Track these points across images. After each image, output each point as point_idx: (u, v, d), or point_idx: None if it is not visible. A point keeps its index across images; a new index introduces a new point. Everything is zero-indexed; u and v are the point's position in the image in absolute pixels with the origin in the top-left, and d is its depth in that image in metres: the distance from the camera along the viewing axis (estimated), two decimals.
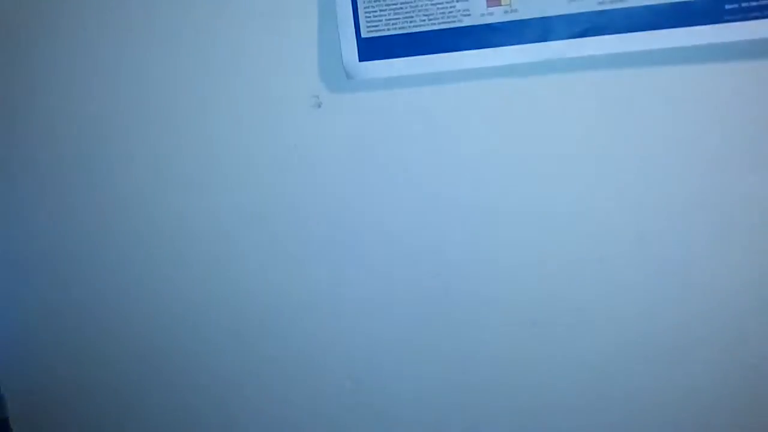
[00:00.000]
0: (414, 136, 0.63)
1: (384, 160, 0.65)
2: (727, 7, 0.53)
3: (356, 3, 0.59)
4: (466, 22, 0.58)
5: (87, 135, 0.72)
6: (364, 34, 0.60)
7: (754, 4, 0.53)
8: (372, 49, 0.60)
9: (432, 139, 0.63)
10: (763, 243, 0.59)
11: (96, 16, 0.68)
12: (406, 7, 0.59)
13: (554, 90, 0.59)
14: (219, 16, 0.63)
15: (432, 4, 0.58)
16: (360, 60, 0.61)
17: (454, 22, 0.58)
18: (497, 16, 0.57)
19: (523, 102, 0.60)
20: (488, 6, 0.57)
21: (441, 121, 0.63)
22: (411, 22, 0.59)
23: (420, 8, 0.58)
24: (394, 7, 0.59)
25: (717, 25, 0.54)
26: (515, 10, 0.57)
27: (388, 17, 0.59)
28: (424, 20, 0.59)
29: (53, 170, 0.75)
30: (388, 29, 0.59)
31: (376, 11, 0.59)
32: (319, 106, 0.63)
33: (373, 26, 0.60)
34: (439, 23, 0.59)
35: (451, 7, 0.58)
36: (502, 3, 0.57)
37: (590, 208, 0.62)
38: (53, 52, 0.71)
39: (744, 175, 0.58)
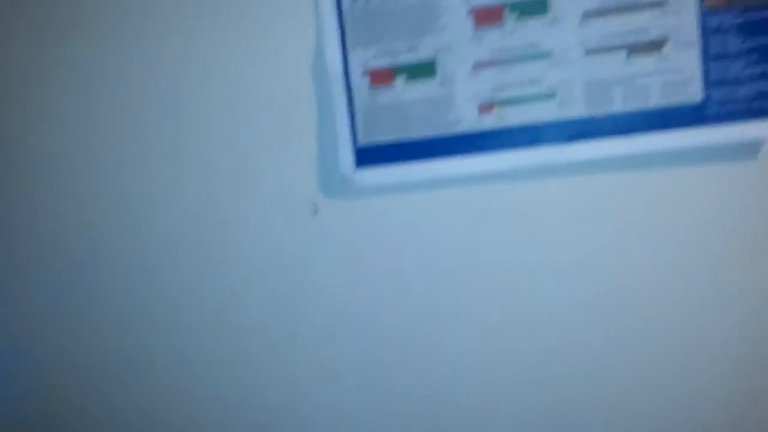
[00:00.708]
0: (409, 240, 0.62)
1: (380, 264, 0.63)
2: (710, 110, 0.56)
3: (354, 112, 0.60)
4: (459, 129, 0.59)
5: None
6: (360, 143, 0.61)
7: (735, 107, 0.55)
8: (368, 156, 0.61)
9: (426, 243, 0.62)
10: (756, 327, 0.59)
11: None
12: (400, 116, 0.60)
13: (545, 193, 0.59)
14: (223, 128, 0.64)
15: (426, 113, 0.59)
16: (357, 167, 0.61)
17: (447, 129, 0.59)
18: (488, 123, 0.59)
19: (514, 205, 0.60)
20: (480, 114, 0.59)
21: (435, 225, 0.62)
22: (406, 130, 0.60)
23: (414, 117, 0.59)
24: (389, 115, 0.60)
25: (700, 128, 0.55)
26: (506, 118, 0.58)
27: (384, 126, 0.60)
28: (419, 128, 0.59)
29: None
30: (384, 137, 0.60)
31: (372, 120, 0.60)
32: (316, 213, 0.63)
33: (370, 134, 0.60)
34: (433, 131, 0.59)
35: (444, 115, 0.59)
36: (494, 110, 0.58)
37: (584, 305, 0.60)
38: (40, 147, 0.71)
39: (736, 266, 0.58)
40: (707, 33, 0.54)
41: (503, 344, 0.62)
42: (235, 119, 0.63)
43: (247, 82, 0.62)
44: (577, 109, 0.57)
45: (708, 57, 0.54)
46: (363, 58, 0.59)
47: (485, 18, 0.57)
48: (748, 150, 0.56)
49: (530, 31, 0.56)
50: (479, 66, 0.58)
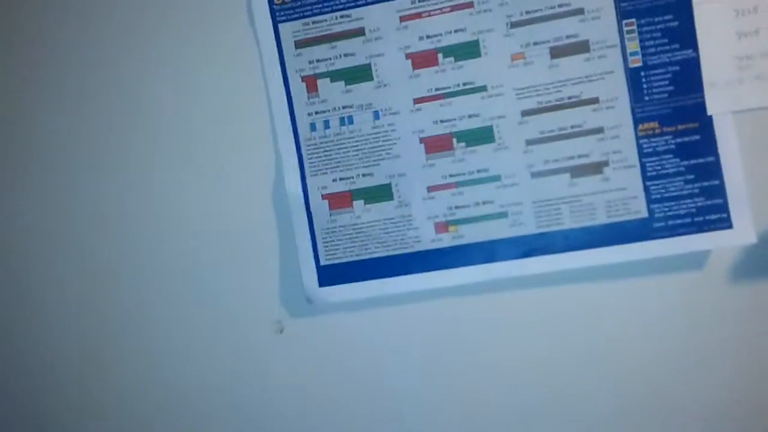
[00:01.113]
0: (373, 352, 0.62)
1: (346, 376, 0.63)
2: (654, 225, 0.58)
3: (314, 234, 0.61)
4: (417, 247, 0.60)
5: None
6: (323, 262, 0.62)
7: (678, 222, 0.57)
8: (331, 275, 0.61)
9: (390, 354, 0.62)
10: None
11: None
12: (361, 236, 0.61)
13: (503, 305, 0.60)
14: (188, 255, 0.64)
15: (385, 233, 0.61)
16: (320, 285, 0.61)
17: (406, 248, 0.60)
18: (445, 241, 0.60)
19: (472, 316, 0.61)
20: (436, 233, 0.60)
21: (398, 337, 0.62)
22: (366, 249, 0.61)
23: (373, 237, 0.61)
24: (349, 236, 0.61)
25: (646, 242, 0.57)
26: (461, 236, 0.60)
27: (344, 246, 0.61)
28: (378, 247, 0.61)
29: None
30: (345, 256, 0.61)
31: (333, 240, 0.61)
32: (281, 331, 0.63)
33: (331, 254, 0.61)
34: (392, 249, 0.60)
35: (402, 234, 0.60)
36: (449, 230, 0.60)
37: (537, 406, 0.60)
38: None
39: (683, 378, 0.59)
40: (645, 155, 0.57)
41: None
42: (197, 245, 0.63)
43: (209, 208, 0.63)
44: (527, 227, 0.59)
45: (647, 177, 0.57)
46: (322, 184, 0.61)
47: (436, 147, 0.59)
48: (695, 261, 0.58)
49: (479, 157, 0.59)
50: (433, 189, 0.60)
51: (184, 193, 0.64)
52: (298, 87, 0.61)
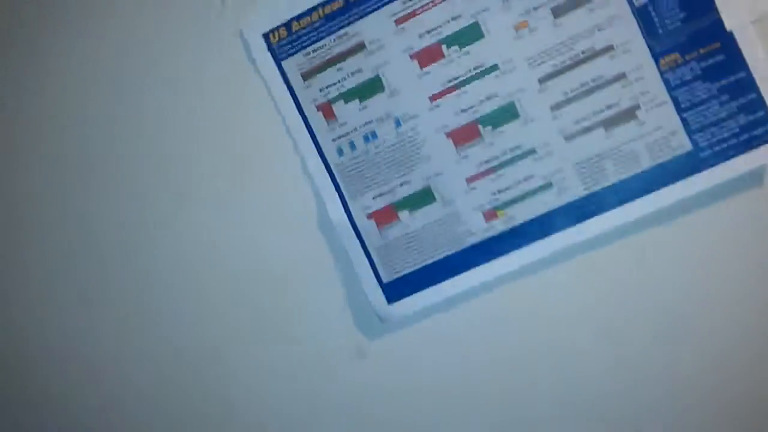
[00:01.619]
0: (454, 355, 0.62)
1: (434, 385, 0.62)
2: (701, 155, 0.56)
3: (369, 254, 0.61)
4: (471, 241, 0.60)
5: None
6: (385, 279, 0.61)
7: (725, 145, 0.55)
8: (396, 289, 0.61)
9: (470, 353, 0.62)
10: None
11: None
12: (415, 245, 0.60)
13: (568, 275, 0.59)
14: (250, 303, 0.64)
15: (437, 235, 0.60)
16: (389, 303, 0.61)
17: (462, 244, 0.60)
18: (498, 227, 0.59)
19: (542, 293, 0.60)
20: (486, 221, 0.59)
21: (475, 334, 0.61)
22: (423, 256, 0.60)
23: (428, 242, 0.60)
24: (404, 248, 0.61)
25: (698, 175, 0.55)
26: (513, 218, 0.59)
27: (402, 258, 0.61)
28: (435, 251, 0.60)
29: None
30: (406, 268, 0.61)
31: (390, 256, 0.61)
32: (363, 354, 0.63)
33: (391, 269, 0.61)
34: (448, 249, 0.60)
35: (454, 232, 0.60)
36: (498, 215, 0.59)
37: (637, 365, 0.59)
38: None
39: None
40: (673, 89, 0.55)
41: None
42: (258, 292, 0.64)
43: (262, 257, 0.63)
44: (575, 192, 0.57)
45: (681, 109, 0.55)
46: (363, 205, 0.61)
47: (463, 138, 0.59)
48: (754, 179, 0.56)
49: (508, 137, 0.58)
50: (472, 180, 0.59)
51: (234, 244, 0.64)
52: (315, 117, 0.61)
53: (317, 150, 0.61)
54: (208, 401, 0.68)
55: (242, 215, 0.64)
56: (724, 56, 0.55)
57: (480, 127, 0.59)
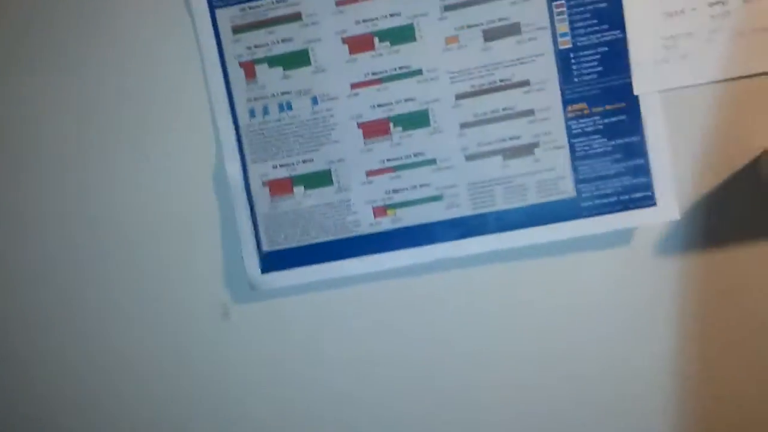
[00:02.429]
0: (317, 336, 0.63)
1: (291, 360, 0.63)
2: (582, 204, 0.58)
3: (256, 220, 0.61)
4: (357, 231, 0.60)
5: None
6: (265, 248, 0.61)
7: (605, 201, 0.58)
8: (273, 261, 0.61)
9: (333, 337, 0.63)
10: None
11: None
12: (302, 222, 0.61)
13: (442, 285, 0.61)
14: (128, 243, 0.63)
15: (325, 218, 0.60)
16: (262, 272, 0.61)
17: (346, 232, 0.60)
18: (384, 225, 0.60)
19: (413, 298, 0.62)
20: (375, 217, 0.60)
21: (341, 320, 0.62)
22: (307, 235, 0.61)
23: (315, 222, 0.60)
24: (291, 222, 0.61)
25: (574, 221, 0.58)
26: (400, 219, 0.60)
27: (286, 232, 0.61)
28: (319, 233, 0.61)
29: None
30: (287, 242, 0.61)
31: (274, 227, 0.61)
32: (227, 315, 0.63)
33: (273, 240, 0.61)
34: (333, 234, 0.60)
35: (342, 219, 0.60)
36: (388, 213, 0.60)
37: (479, 386, 0.62)
38: None
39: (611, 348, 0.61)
40: (573, 136, 0.57)
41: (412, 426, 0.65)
42: (138, 231, 0.63)
43: (150, 194, 0.62)
44: (463, 209, 0.59)
45: (575, 157, 0.58)
46: (262, 171, 0.60)
47: (373, 132, 0.59)
48: (622, 237, 0.59)
49: (415, 142, 0.59)
50: (371, 174, 0.60)
51: (125, 177, 0.63)
52: (236, 72, 0.60)
53: (230, 105, 0.60)
54: (61, 340, 0.66)
55: (145, 153, 0.62)
56: (626, 117, 0.57)
57: (391, 125, 0.59)
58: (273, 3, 0.59)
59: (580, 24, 0.57)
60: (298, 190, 0.61)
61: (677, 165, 0.57)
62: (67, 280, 0.65)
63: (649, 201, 0.57)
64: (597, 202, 0.58)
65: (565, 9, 0.57)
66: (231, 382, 0.65)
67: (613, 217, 0.58)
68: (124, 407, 0.67)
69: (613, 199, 0.58)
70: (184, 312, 0.64)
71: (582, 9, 0.56)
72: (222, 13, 0.59)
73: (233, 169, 0.61)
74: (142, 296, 0.64)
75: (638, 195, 0.58)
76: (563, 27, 0.57)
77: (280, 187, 0.61)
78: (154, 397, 0.66)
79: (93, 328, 0.66)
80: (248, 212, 0.61)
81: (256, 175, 0.61)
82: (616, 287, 0.60)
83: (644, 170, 0.57)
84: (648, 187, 0.57)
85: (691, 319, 0.60)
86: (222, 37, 0.59)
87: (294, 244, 0.61)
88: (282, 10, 0.59)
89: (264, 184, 0.61)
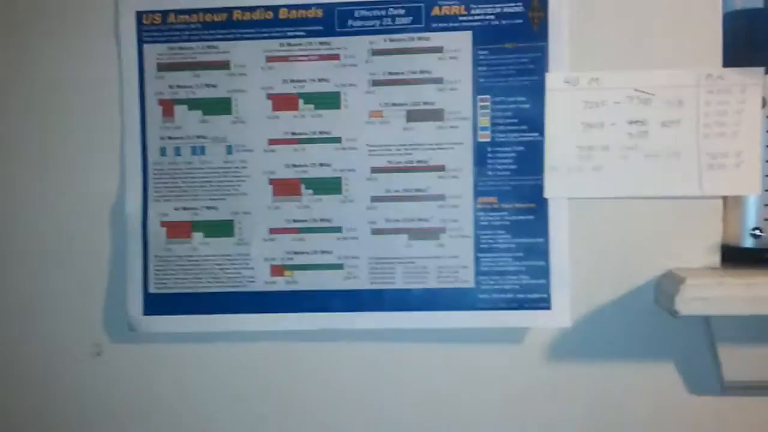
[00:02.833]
0: (192, 388, 0.60)
1: (161, 411, 0.60)
2: (479, 296, 0.57)
3: (147, 259, 0.59)
4: (250, 287, 0.58)
5: None
6: (151, 290, 0.59)
7: (501, 296, 0.57)
8: (158, 304, 0.59)
9: (208, 392, 0.60)
10: None
11: None
12: (195, 269, 0.59)
13: (329, 355, 0.59)
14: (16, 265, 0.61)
15: (220, 269, 0.58)
16: (145, 314, 0.59)
17: (239, 286, 0.58)
18: (279, 285, 0.58)
19: (297, 365, 0.60)
20: (272, 275, 0.58)
21: (220, 376, 0.60)
22: (198, 283, 0.58)
23: (208, 271, 0.58)
24: (183, 267, 0.59)
25: (470, 312, 0.57)
26: (296, 282, 0.58)
27: (177, 276, 0.59)
28: (211, 282, 0.58)
29: None
30: (176, 287, 0.59)
31: (165, 269, 0.59)
32: (99, 354, 0.60)
33: (161, 283, 0.59)
34: (225, 286, 0.58)
35: (237, 273, 0.58)
36: (285, 274, 0.58)
37: None
38: None
39: None
40: (480, 228, 0.57)
41: None
42: (26, 249, 0.60)
43: (44, 214, 0.60)
44: (361, 282, 0.58)
45: (479, 249, 0.57)
46: (162, 211, 0.59)
47: (284, 190, 0.58)
48: (515, 334, 0.58)
49: (324, 207, 0.58)
50: (275, 231, 0.58)
51: (21, 193, 0.60)
52: (154, 109, 0.58)
53: (141, 140, 0.58)
54: None
55: (43, 172, 0.60)
56: (533, 217, 0.57)
57: (303, 186, 0.58)
58: (203, 48, 0.58)
59: (501, 120, 0.57)
60: (197, 235, 0.59)
61: (576, 272, 0.57)
62: None
63: (544, 303, 0.57)
64: (494, 296, 0.57)
65: (489, 104, 0.57)
66: (96, 421, 0.61)
67: (508, 314, 0.57)
68: None
69: (510, 296, 0.57)
70: (56, 342, 0.61)
71: (505, 107, 0.57)
72: (150, 49, 0.59)
73: (133, 204, 0.59)
74: (17, 320, 0.61)
75: (534, 296, 0.57)
76: (485, 121, 0.57)
77: (178, 230, 0.59)
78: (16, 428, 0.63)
79: None
80: (140, 250, 0.59)
81: (155, 213, 0.59)
82: (502, 383, 0.59)
83: (543, 272, 0.57)
84: (545, 289, 0.57)
85: (571, 425, 0.60)
86: (146, 72, 0.59)
87: (183, 290, 0.59)
88: (211, 56, 0.58)
89: (162, 224, 0.59)
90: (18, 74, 0.60)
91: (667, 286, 0.57)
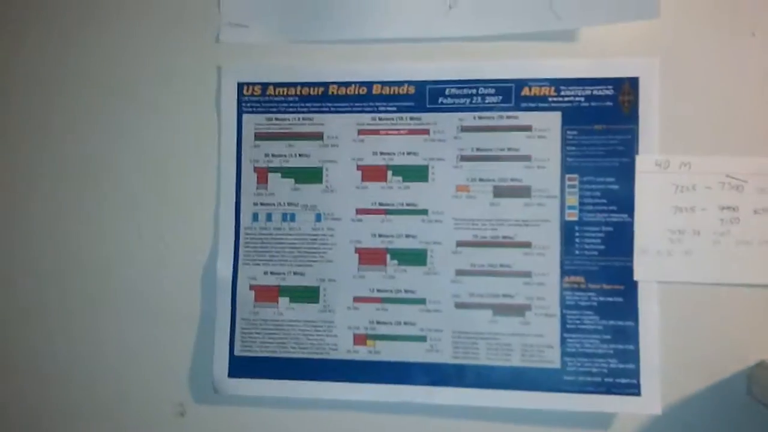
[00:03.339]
0: None
1: None
2: (565, 378, 0.56)
3: (234, 322, 0.60)
4: (333, 355, 0.58)
5: None
6: (237, 352, 0.59)
7: (588, 379, 0.56)
8: (243, 367, 0.59)
9: None
10: None
11: None
12: (279, 333, 0.59)
13: (404, 429, 0.58)
14: (109, 322, 0.62)
15: (303, 335, 0.59)
16: (229, 376, 0.59)
17: (322, 354, 0.58)
18: (362, 354, 0.58)
19: None
20: (354, 344, 0.58)
21: None
22: (283, 347, 0.59)
23: (292, 336, 0.59)
24: (268, 331, 0.59)
25: (555, 394, 0.56)
26: (378, 352, 0.58)
27: (261, 340, 0.59)
28: (295, 348, 0.59)
29: None
30: (261, 351, 0.59)
31: (252, 332, 0.59)
32: (183, 415, 0.60)
33: (247, 346, 0.59)
34: (308, 353, 0.58)
35: (320, 340, 0.58)
36: (367, 343, 0.58)
37: None
38: None
39: None
40: (567, 307, 0.56)
41: None
42: (118, 314, 0.61)
43: (135, 276, 0.61)
44: (443, 356, 0.57)
45: (566, 329, 0.56)
46: (252, 274, 0.60)
47: (369, 259, 0.58)
48: (602, 420, 0.56)
49: (409, 278, 0.58)
50: (359, 300, 0.58)
51: (116, 250, 0.62)
52: (249, 176, 0.60)
53: (235, 206, 0.60)
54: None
55: (140, 231, 0.61)
56: (622, 299, 0.56)
57: (389, 257, 0.58)
58: (298, 119, 0.60)
59: (590, 200, 0.57)
60: (284, 300, 0.59)
61: (666, 359, 0.55)
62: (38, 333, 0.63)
63: (633, 389, 0.55)
64: (581, 378, 0.56)
65: (577, 183, 0.57)
66: None
67: (595, 399, 0.55)
68: None
69: (598, 379, 0.55)
70: (140, 400, 0.61)
71: (594, 186, 0.57)
72: (248, 119, 0.61)
73: (224, 266, 0.60)
74: (108, 375, 0.62)
75: (623, 381, 0.55)
76: (573, 200, 0.57)
77: (266, 294, 0.60)
78: None
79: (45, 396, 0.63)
80: (229, 312, 0.60)
81: (245, 276, 0.60)
82: None
83: (633, 357, 0.55)
84: (634, 374, 0.55)
85: None
86: (243, 140, 0.61)
87: (268, 354, 0.59)
88: (306, 128, 0.60)
89: (251, 287, 0.60)
90: (122, 139, 0.62)
91: (760, 377, 0.54)
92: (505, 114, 0.58)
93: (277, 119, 0.61)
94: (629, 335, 0.55)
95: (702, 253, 0.56)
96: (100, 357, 0.62)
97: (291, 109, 0.60)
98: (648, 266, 0.57)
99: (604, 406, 0.55)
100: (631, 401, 0.55)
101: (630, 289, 0.56)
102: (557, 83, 0.58)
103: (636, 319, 0.56)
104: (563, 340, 0.56)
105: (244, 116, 0.61)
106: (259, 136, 0.61)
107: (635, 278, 0.56)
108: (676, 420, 0.56)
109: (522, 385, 0.56)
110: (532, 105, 0.58)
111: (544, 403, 0.56)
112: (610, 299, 0.56)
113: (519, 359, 0.56)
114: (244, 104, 0.61)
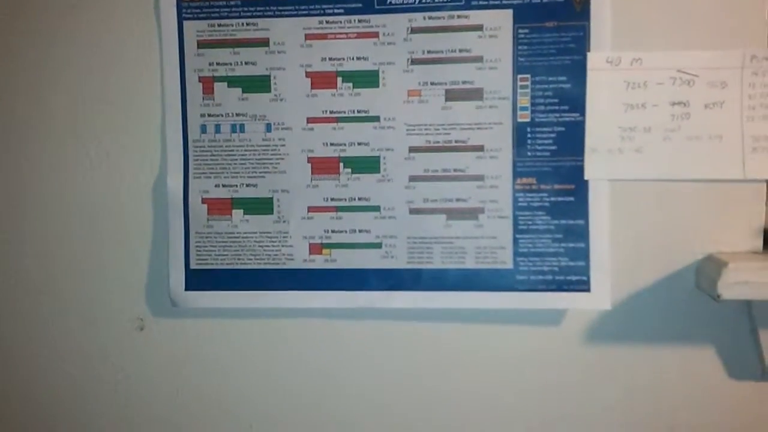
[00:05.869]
0: (232, 365, 0.59)
1: (202, 386, 0.60)
2: (517, 278, 0.56)
3: (188, 236, 0.58)
4: (289, 265, 0.57)
5: None
6: (192, 266, 0.58)
7: (540, 277, 0.55)
8: (199, 280, 0.58)
9: (248, 369, 0.60)
10: None
11: None
12: (234, 246, 0.57)
13: (365, 334, 0.58)
14: (59, 240, 0.60)
15: (259, 246, 0.57)
16: (186, 289, 0.58)
17: (279, 264, 0.57)
18: (318, 263, 0.57)
19: (334, 342, 0.59)
20: (310, 253, 0.57)
21: (259, 352, 0.59)
22: (238, 259, 0.57)
23: (248, 248, 0.57)
24: (223, 244, 0.57)
25: (507, 293, 0.56)
26: (334, 260, 0.57)
27: (217, 252, 0.57)
28: (251, 259, 0.57)
29: None
30: (217, 263, 0.58)
31: (206, 246, 0.58)
32: (142, 329, 0.59)
33: (203, 259, 0.58)
34: (265, 263, 0.57)
35: (276, 250, 0.57)
36: (323, 252, 0.57)
37: None
38: None
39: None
40: (519, 208, 0.55)
41: None
42: (67, 232, 0.60)
43: (85, 195, 0.59)
44: (398, 261, 0.56)
45: (518, 230, 0.55)
46: (203, 188, 0.57)
47: (322, 168, 0.56)
48: (553, 316, 0.56)
49: (362, 185, 0.56)
50: (313, 210, 0.57)
51: (64, 170, 0.59)
52: (194, 87, 0.57)
53: (182, 118, 0.57)
54: None
55: (87, 151, 0.59)
56: (573, 199, 0.55)
57: (341, 165, 0.56)
58: (243, 24, 0.56)
59: (541, 101, 0.54)
60: (237, 213, 0.57)
61: (616, 255, 0.55)
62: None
63: (583, 286, 0.55)
64: (532, 277, 0.55)
65: (529, 83, 0.54)
66: (137, 393, 0.61)
67: (546, 296, 0.55)
68: (21, 409, 0.63)
69: (549, 277, 0.55)
70: (99, 316, 0.60)
71: (546, 86, 0.54)
72: (189, 26, 0.57)
73: (174, 181, 0.57)
74: (61, 295, 0.60)
75: (573, 278, 0.55)
76: (524, 101, 0.55)
77: (219, 207, 0.57)
78: (59, 400, 0.62)
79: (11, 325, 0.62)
80: (182, 226, 0.58)
81: (196, 190, 0.57)
82: (539, 365, 0.57)
83: (583, 254, 0.54)
84: (584, 271, 0.55)
85: (608, 410, 0.58)
86: (186, 49, 0.57)
87: (223, 266, 0.58)
88: (251, 33, 0.56)
89: (203, 201, 0.57)
90: (56, 52, 0.58)
91: (708, 270, 0.55)
92: (456, 13, 0.55)
93: (219, 25, 0.56)
94: (579, 234, 0.55)
95: (653, 150, 0.55)
96: (56, 279, 0.60)
97: (234, 14, 0.56)
98: (598, 165, 0.55)
99: (555, 303, 0.55)
100: (581, 297, 0.55)
101: (581, 188, 0.54)
102: None
103: (586, 218, 0.54)
104: (515, 241, 0.55)
105: (185, 23, 0.56)
106: (202, 44, 0.56)
107: (585, 177, 0.55)
108: (626, 314, 0.56)
109: (476, 286, 0.55)
110: (483, 2, 0.54)
111: (498, 302, 0.55)
112: (561, 199, 0.55)
113: (473, 261, 0.56)
114: (184, 10, 0.56)
